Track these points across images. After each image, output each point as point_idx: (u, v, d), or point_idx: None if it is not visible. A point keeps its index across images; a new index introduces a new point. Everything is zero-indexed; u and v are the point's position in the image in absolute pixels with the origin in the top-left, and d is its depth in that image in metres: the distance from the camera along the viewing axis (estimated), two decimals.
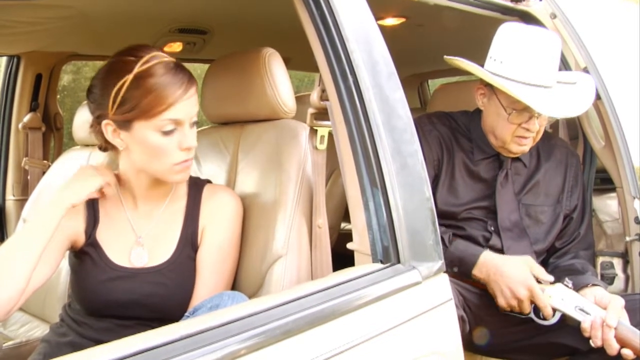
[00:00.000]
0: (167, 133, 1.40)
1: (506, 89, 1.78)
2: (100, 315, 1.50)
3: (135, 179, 1.52)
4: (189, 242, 1.52)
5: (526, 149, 1.91)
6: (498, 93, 1.86)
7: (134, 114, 1.39)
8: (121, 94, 1.38)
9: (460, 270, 1.81)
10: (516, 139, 1.88)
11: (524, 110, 1.82)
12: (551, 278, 1.77)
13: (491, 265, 1.79)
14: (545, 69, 1.82)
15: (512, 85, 1.79)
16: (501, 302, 1.77)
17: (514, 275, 1.75)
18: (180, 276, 1.49)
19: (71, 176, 1.50)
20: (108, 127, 1.43)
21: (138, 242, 1.52)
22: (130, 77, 1.38)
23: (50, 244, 1.39)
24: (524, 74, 1.81)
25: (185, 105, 1.40)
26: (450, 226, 1.92)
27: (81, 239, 1.52)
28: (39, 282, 1.43)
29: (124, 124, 1.41)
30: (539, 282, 1.77)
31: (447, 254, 1.80)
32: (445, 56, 1.91)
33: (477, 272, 1.80)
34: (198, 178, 1.63)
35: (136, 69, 1.38)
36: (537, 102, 1.77)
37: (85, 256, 1.51)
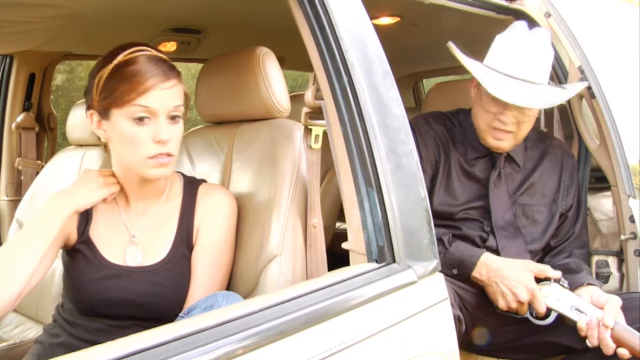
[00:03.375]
0: (139, 122, 1.39)
1: (471, 70, 1.81)
2: (93, 315, 1.49)
3: (124, 176, 1.52)
4: (184, 241, 1.51)
5: (503, 145, 1.89)
6: (476, 79, 1.87)
7: (110, 100, 1.40)
8: (102, 82, 1.41)
9: (459, 272, 1.81)
10: (491, 131, 1.88)
11: (499, 100, 1.81)
12: (558, 274, 1.76)
13: (492, 267, 1.79)
14: (527, 64, 1.82)
15: (482, 70, 1.82)
16: (502, 304, 1.77)
17: (516, 278, 1.75)
18: (176, 276, 1.48)
19: (76, 181, 1.51)
20: (93, 117, 1.46)
21: (132, 241, 1.51)
22: (110, 66, 1.40)
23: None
24: (507, 65, 1.83)
25: (160, 95, 1.39)
26: (447, 226, 1.92)
27: (73, 236, 1.52)
28: (34, 282, 1.42)
29: (104, 113, 1.43)
30: (538, 281, 1.77)
31: (447, 255, 1.80)
32: (449, 42, 1.91)
33: (476, 274, 1.80)
34: (193, 177, 1.62)
35: (117, 59, 1.40)
36: (495, 85, 1.77)
37: (78, 254, 1.51)
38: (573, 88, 1.95)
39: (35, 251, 1.38)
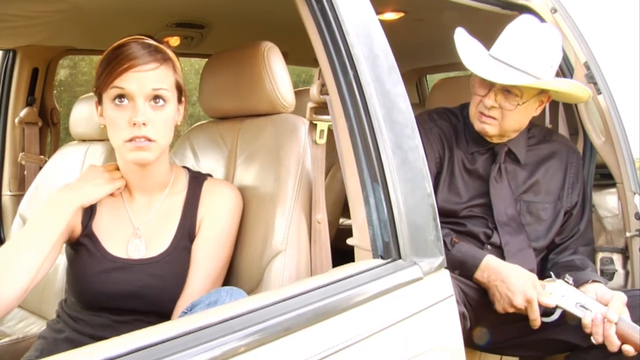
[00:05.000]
0: (118, 105, 1.40)
1: (458, 49, 1.83)
2: (96, 308, 1.48)
3: (125, 167, 1.52)
4: (186, 233, 1.51)
5: (488, 129, 1.89)
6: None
7: (99, 84, 1.42)
8: (97, 68, 1.44)
9: (461, 273, 1.79)
10: (478, 115, 1.89)
11: (484, 81, 1.83)
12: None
13: (494, 270, 1.78)
14: (516, 50, 1.83)
15: (471, 52, 1.84)
16: (498, 307, 1.77)
17: (515, 284, 1.74)
18: (177, 267, 1.48)
19: (82, 176, 1.51)
20: (98, 107, 1.48)
21: (135, 233, 1.51)
22: (105, 53, 1.43)
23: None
24: (497, 49, 1.86)
25: (138, 77, 1.39)
26: (451, 223, 1.91)
27: (77, 230, 1.51)
28: (39, 277, 1.42)
29: (100, 99, 1.45)
30: (543, 278, 1.76)
31: (449, 256, 1.78)
32: (459, 28, 1.92)
33: (479, 276, 1.80)
34: (199, 172, 1.62)
35: (112, 47, 1.43)
36: (475, 63, 1.81)
37: (81, 247, 1.50)
38: (557, 82, 1.93)
39: (41, 247, 1.38)
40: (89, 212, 1.52)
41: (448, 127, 2.01)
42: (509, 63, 1.82)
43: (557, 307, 1.73)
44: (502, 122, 1.87)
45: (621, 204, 2.21)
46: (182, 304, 1.43)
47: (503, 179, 1.96)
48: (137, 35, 1.45)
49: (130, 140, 1.39)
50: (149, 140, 1.40)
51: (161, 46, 1.46)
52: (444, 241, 1.79)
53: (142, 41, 1.43)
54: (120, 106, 1.40)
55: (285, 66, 1.66)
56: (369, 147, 1.30)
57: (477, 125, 1.91)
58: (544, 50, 1.85)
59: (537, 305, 1.72)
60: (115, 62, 1.39)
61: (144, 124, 1.38)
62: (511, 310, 1.75)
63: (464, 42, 1.87)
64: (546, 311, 1.75)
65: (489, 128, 1.88)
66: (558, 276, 1.78)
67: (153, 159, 1.44)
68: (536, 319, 1.72)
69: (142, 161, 1.43)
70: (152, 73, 1.41)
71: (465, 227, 1.92)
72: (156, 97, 1.41)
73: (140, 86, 1.39)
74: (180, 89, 1.49)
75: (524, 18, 1.89)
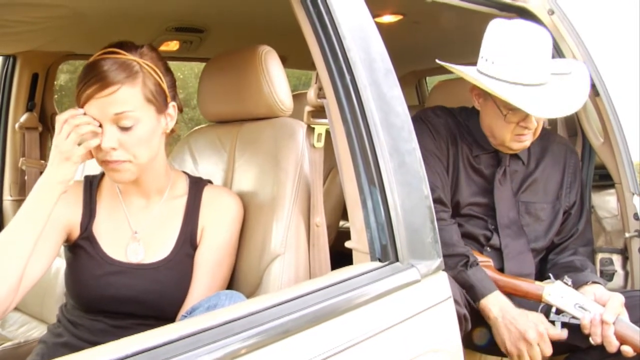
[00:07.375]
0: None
1: (497, 93, 1.76)
2: (94, 311, 1.48)
3: None
4: (187, 240, 1.51)
5: (527, 144, 1.90)
6: (493, 94, 1.82)
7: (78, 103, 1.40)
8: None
9: (466, 294, 1.78)
10: (516, 137, 1.88)
11: (520, 110, 1.77)
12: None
13: (505, 309, 1.74)
14: (536, 67, 1.79)
15: (504, 88, 1.77)
16: (508, 344, 1.73)
17: (526, 321, 1.71)
18: (178, 274, 1.48)
19: (51, 158, 1.37)
20: None
21: (134, 237, 1.51)
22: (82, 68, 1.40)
23: (43, 236, 1.35)
24: (515, 74, 1.78)
25: (98, 103, 1.35)
26: None
27: (76, 232, 1.51)
28: (35, 277, 1.39)
29: None
30: (542, 280, 1.77)
31: (462, 274, 1.77)
32: (437, 60, 1.90)
33: (485, 307, 1.76)
34: (200, 178, 1.62)
35: (86, 64, 1.40)
36: (530, 103, 1.73)
37: (80, 250, 1.50)
38: (579, 73, 1.92)
39: (26, 241, 1.31)
40: (89, 214, 1.52)
41: (452, 124, 2.01)
42: (536, 83, 1.79)
43: (559, 310, 1.74)
44: (535, 131, 1.89)
45: (620, 204, 2.21)
46: (184, 312, 1.42)
47: (507, 181, 1.96)
48: (111, 48, 1.40)
49: (103, 163, 1.40)
50: (123, 162, 1.39)
51: (131, 58, 1.39)
52: (467, 257, 1.78)
53: (111, 57, 1.38)
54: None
55: (283, 70, 1.67)
56: (366, 150, 1.31)
57: (517, 146, 1.90)
58: (547, 51, 1.83)
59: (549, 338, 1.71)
60: (81, 86, 1.36)
61: (112, 148, 1.36)
62: (522, 345, 1.70)
63: (481, 77, 1.82)
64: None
65: (527, 142, 1.90)
66: (557, 277, 1.79)
67: (132, 178, 1.43)
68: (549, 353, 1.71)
69: (120, 181, 1.44)
70: (112, 97, 1.35)
71: (463, 228, 1.92)
72: (122, 120, 1.37)
73: (102, 112, 1.36)
74: (156, 99, 1.42)
75: (520, 24, 1.85)
